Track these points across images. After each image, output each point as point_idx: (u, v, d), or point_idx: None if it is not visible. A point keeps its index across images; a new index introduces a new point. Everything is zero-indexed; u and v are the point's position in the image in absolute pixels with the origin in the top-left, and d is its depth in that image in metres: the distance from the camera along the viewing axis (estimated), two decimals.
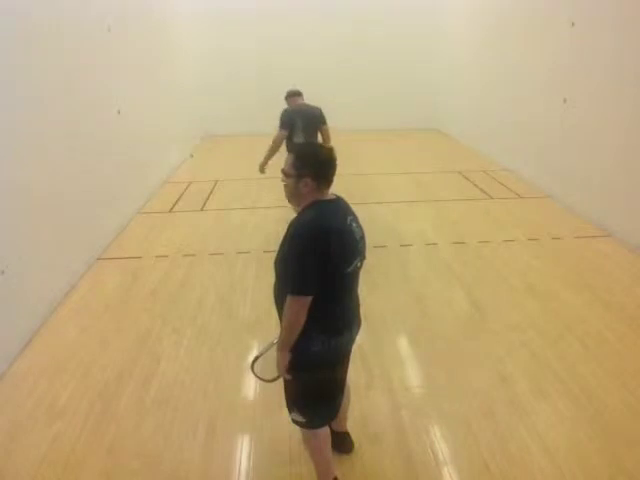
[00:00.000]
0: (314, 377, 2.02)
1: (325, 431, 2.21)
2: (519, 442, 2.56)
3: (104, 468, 2.47)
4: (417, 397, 2.95)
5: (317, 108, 5.35)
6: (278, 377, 2.06)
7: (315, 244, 1.81)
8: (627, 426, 2.65)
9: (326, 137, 5.28)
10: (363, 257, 2.04)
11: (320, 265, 1.82)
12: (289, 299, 1.86)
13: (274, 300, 2.07)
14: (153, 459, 2.52)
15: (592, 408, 2.78)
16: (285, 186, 1.98)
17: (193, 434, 2.67)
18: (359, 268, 2.02)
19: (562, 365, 3.14)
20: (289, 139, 5.13)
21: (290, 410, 2.16)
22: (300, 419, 2.12)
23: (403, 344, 3.50)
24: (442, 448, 2.55)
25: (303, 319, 1.88)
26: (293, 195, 1.97)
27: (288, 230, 1.93)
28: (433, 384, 3.04)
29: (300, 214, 1.94)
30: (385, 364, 3.19)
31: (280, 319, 2.07)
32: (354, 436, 2.54)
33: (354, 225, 1.96)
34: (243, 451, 2.57)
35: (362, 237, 2.00)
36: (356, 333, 2.14)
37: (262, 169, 5.23)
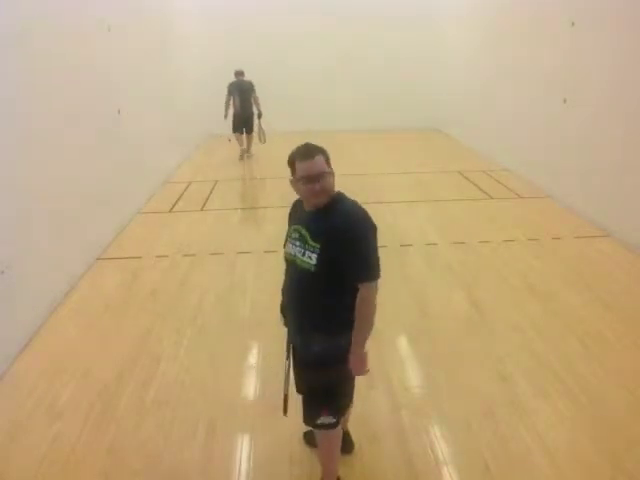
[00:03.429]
0: (349, 369, 2.03)
1: (341, 429, 2.22)
2: (519, 442, 2.56)
3: (104, 468, 2.47)
4: (417, 397, 2.95)
5: (249, 82, 8.61)
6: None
7: (375, 228, 1.92)
8: (627, 426, 2.65)
9: (257, 102, 8.66)
10: None
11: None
12: (367, 287, 1.87)
13: (291, 302, 2.05)
14: (153, 459, 2.52)
15: (592, 408, 2.78)
16: (324, 187, 1.90)
17: (193, 434, 2.67)
18: None
19: (562, 365, 3.14)
20: (233, 103, 8.59)
21: (317, 416, 2.08)
22: (330, 420, 2.07)
23: (403, 344, 3.50)
24: (442, 448, 2.55)
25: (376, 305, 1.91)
26: (329, 191, 1.94)
27: (327, 223, 1.88)
28: (433, 384, 3.04)
29: (339, 204, 1.94)
30: (385, 364, 3.19)
31: (295, 321, 2.06)
32: (354, 436, 2.54)
33: None
34: (243, 451, 2.57)
35: None
36: None
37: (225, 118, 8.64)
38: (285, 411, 2.13)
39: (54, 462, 2.51)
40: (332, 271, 1.88)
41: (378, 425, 2.69)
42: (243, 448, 2.60)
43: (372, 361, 3.12)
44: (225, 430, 2.70)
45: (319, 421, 2.09)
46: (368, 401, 2.84)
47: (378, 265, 1.91)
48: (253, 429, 2.71)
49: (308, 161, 1.89)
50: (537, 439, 2.57)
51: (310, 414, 2.12)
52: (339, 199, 1.97)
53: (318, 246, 1.88)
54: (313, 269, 1.89)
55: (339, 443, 2.26)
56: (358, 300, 1.88)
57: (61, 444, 2.62)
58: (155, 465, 2.49)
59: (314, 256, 1.88)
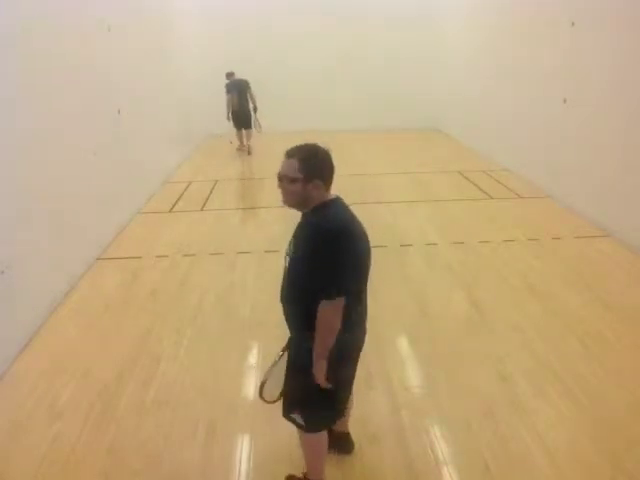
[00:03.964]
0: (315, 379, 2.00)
1: (322, 436, 2.18)
2: (519, 442, 2.56)
3: (104, 468, 2.47)
4: (417, 397, 2.95)
5: (245, 80, 9.03)
6: (280, 396, 2.11)
7: (348, 243, 1.82)
8: (627, 426, 2.65)
9: (253, 98, 9.09)
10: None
11: (353, 264, 1.84)
12: (326, 304, 1.82)
13: (281, 300, 2.06)
14: (153, 459, 2.52)
15: (592, 408, 2.78)
16: (287, 191, 1.89)
17: (193, 434, 2.67)
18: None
19: (562, 365, 3.14)
20: (231, 101, 8.98)
21: (290, 411, 2.14)
22: (300, 421, 2.11)
23: (403, 344, 3.50)
24: (442, 448, 2.55)
25: (340, 322, 1.86)
26: (301, 198, 1.89)
27: (302, 231, 1.92)
28: (433, 384, 3.04)
29: (314, 215, 1.90)
30: (385, 364, 3.19)
31: (287, 319, 2.08)
32: (354, 436, 2.53)
33: (357, 221, 1.98)
34: (243, 451, 2.57)
35: (365, 233, 2.01)
36: (364, 333, 2.15)
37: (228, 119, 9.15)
38: (260, 394, 2.09)
39: (54, 462, 2.51)
40: (300, 279, 1.91)
41: (378, 425, 2.69)
42: (243, 448, 2.60)
43: (372, 361, 3.16)
44: (225, 430, 2.70)
45: (292, 415, 2.14)
46: (368, 401, 2.84)
47: (340, 284, 1.82)
48: (253, 429, 2.71)
49: (285, 159, 1.90)
50: (537, 439, 2.57)
51: (285, 407, 2.17)
52: (326, 206, 1.90)
53: (292, 250, 1.96)
54: (287, 272, 1.98)
55: (320, 448, 2.22)
56: (317, 315, 1.85)
57: (61, 444, 2.62)
58: (155, 465, 2.48)
59: (288, 259, 1.97)
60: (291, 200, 1.92)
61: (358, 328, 2.07)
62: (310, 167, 1.86)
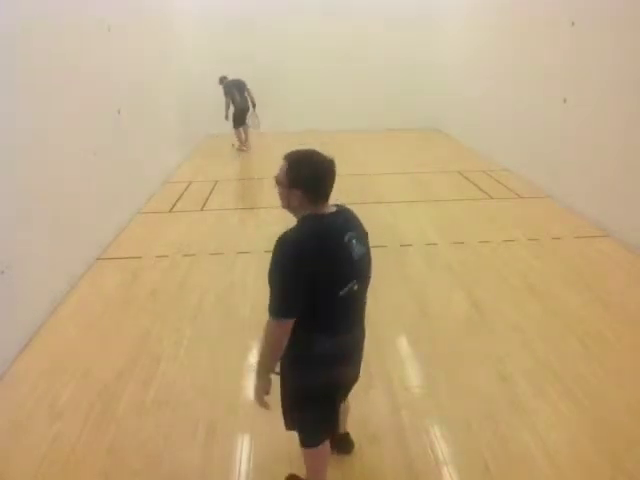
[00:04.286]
0: (294, 392, 1.97)
1: (322, 449, 2.13)
2: (519, 442, 2.56)
3: (104, 468, 2.47)
4: (417, 397, 2.95)
5: (242, 80, 9.15)
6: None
7: (296, 264, 1.66)
8: (627, 426, 2.65)
9: (251, 95, 9.19)
10: (364, 278, 1.87)
11: (304, 287, 1.68)
12: (270, 322, 1.73)
13: None
14: (153, 459, 2.52)
15: (592, 408, 2.78)
16: (279, 194, 1.84)
17: (193, 434, 2.67)
18: (357, 291, 1.82)
19: (562, 365, 3.14)
20: (233, 100, 9.08)
21: (287, 426, 2.14)
22: (299, 436, 2.11)
23: (403, 344, 3.50)
24: (442, 448, 2.55)
25: (284, 344, 1.76)
26: (287, 203, 1.82)
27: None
28: (433, 384, 3.04)
29: (287, 230, 1.78)
30: (385, 364, 3.20)
31: None
32: (354, 436, 2.54)
33: (354, 242, 1.77)
34: (243, 452, 2.57)
35: (364, 256, 1.82)
36: (355, 373, 2.10)
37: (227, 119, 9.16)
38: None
39: (54, 462, 2.51)
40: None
41: (378, 425, 2.69)
42: (243, 448, 2.60)
43: (372, 361, 3.16)
44: (225, 430, 2.70)
45: (292, 431, 2.13)
46: (368, 401, 2.84)
47: (283, 305, 1.71)
48: (253, 429, 2.70)
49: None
50: (537, 439, 2.57)
51: (284, 422, 2.14)
52: (298, 224, 1.80)
53: None
54: None
55: (320, 462, 2.18)
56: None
57: (61, 444, 2.62)
58: (155, 465, 2.49)
59: None
60: (282, 203, 1.85)
61: (334, 362, 1.88)
62: (295, 175, 1.75)
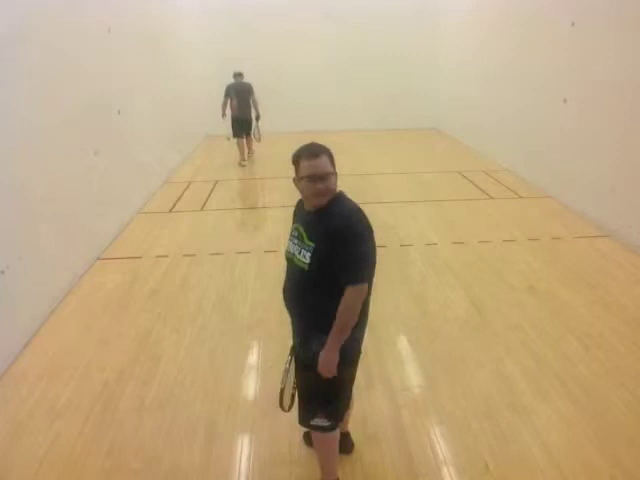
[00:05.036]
0: (350, 372, 2.07)
1: (337, 433, 2.20)
2: (519, 442, 2.56)
3: (104, 468, 2.47)
4: (417, 397, 2.95)
5: (248, 84, 8.43)
6: (292, 401, 2.10)
7: (370, 231, 1.92)
8: (627, 426, 2.65)
9: (256, 104, 8.49)
10: None
11: (373, 253, 1.92)
12: (350, 290, 1.85)
13: (289, 301, 2.05)
14: (153, 459, 2.52)
15: (592, 408, 2.78)
16: (328, 187, 1.91)
17: (193, 434, 2.67)
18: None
19: (562, 365, 3.14)
20: (230, 104, 8.40)
21: (311, 417, 2.10)
22: (324, 423, 2.08)
23: (403, 344, 3.50)
24: (442, 448, 2.55)
25: (358, 312, 1.90)
26: (332, 191, 1.94)
27: (323, 225, 1.88)
28: (433, 384, 3.04)
29: (332, 206, 1.92)
30: (385, 364, 3.20)
31: (294, 320, 2.07)
32: (354, 436, 2.54)
33: None
34: (243, 451, 2.57)
35: None
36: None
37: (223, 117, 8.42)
38: (281, 404, 2.09)
39: (54, 462, 2.51)
40: (325, 271, 1.88)
41: (378, 425, 2.69)
42: (243, 448, 2.59)
43: (372, 361, 3.16)
44: (225, 430, 2.70)
45: (313, 422, 2.10)
46: (368, 401, 2.84)
47: (366, 269, 1.90)
48: (253, 429, 2.70)
49: (313, 160, 1.90)
50: (537, 439, 2.57)
51: (304, 415, 2.12)
52: (338, 200, 1.96)
53: (313, 245, 1.90)
54: (307, 268, 1.91)
55: (335, 445, 2.23)
56: (341, 302, 1.86)
57: (61, 444, 2.62)
58: (155, 465, 2.48)
59: (308, 255, 1.91)
60: (329, 196, 1.93)
61: (365, 322, 2.07)
62: (333, 161, 1.96)
